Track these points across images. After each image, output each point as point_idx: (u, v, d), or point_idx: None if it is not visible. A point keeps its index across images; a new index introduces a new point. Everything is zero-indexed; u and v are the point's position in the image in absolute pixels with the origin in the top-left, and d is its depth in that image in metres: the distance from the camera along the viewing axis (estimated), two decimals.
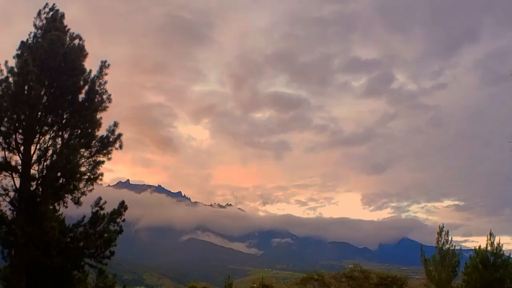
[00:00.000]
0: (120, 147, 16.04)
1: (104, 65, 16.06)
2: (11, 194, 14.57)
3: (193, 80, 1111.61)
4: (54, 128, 15.32)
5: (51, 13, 15.70)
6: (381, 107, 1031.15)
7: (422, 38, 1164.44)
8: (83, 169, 15.24)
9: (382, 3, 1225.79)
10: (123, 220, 16.05)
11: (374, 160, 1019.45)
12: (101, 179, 15.66)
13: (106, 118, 16.12)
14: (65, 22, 15.94)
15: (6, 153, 14.61)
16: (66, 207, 15.41)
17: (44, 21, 15.62)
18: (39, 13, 15.65)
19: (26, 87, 14.29)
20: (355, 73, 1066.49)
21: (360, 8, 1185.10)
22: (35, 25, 15.59)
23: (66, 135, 15.40)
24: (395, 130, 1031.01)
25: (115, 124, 16.16)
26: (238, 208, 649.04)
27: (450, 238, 22.71)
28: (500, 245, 20.84)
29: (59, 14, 15.81)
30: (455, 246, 22.72)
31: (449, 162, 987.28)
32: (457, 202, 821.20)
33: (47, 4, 15.67)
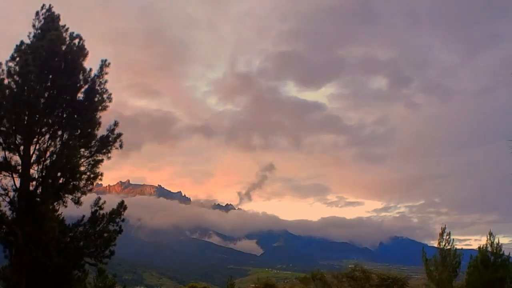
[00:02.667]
0: (121, 146, 16.03)
1: (104, 64, 15.99)
2: (11, 194, 14.56)
3: (197, 80, 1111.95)
4: (54, 128, 15.30)
5: (48, 13, 15.64)
6: (400, 109, 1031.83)
7: (442, 39, 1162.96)
8: (82, 168, 15.25)
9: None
10: (123, 220, 16.03)
11: (386, 161, 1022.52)
12: (101, 179, 15.71)
13: (106, 117, 16.13)
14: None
15: (6, 153, 14.59)
16: (66, 206, 15.41)
17: (43, 22, 15.55)
18: (37, 14, 15.58)
19: (26, 87, 14.27)
20: (373, 74, 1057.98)
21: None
22: (33, 26, 15.52)
23: (66, 135, 15.37)
24: (412, 131, 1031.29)
25: (115, 124, 16.14)
26: (238, 208, 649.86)
27: (451, 239, 22.72)
28: (500, 245, 20.87)
29: (57, 15, 15.77)
30: (455, 246, 22.74)
31: (464, 163, 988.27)
32: (470, 202, 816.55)
33: (44, 5, 15.60)
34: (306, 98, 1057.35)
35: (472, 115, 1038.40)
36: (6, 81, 14.37)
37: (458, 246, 22.85)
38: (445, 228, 22.82)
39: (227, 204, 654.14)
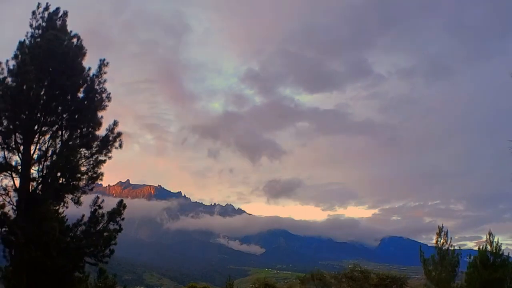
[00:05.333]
0: (120, 146, 16.00)
1: (103, 64, 15.97)
2: (11, 194, 14.56)
3: (202, 81, 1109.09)
4: (54, 128, 15.27)
5: (46, 12, 15.58)
6: (420, 110, 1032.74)
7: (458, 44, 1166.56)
8: (83, 168, 15.24)
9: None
10: (123, 219, 16.00)
11: (401, 161, 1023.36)
12: (101, 179, 15.68)
13: (106, 117, 16.12)
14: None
15: (6, 153, 14.57)
16: (67, 207, 15.41)
17: (40, 21, 15.50)
18: (33, 13, 15.50)
19: (25, 87, 14.26)
20: (392, 78, 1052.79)
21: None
22: (31, 25, 15.44)
23: (66, 135, 15.36)
24: (429, 132, 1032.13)
25: (115, 123, 16.11)
26: (239, 209, 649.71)
27: (449, 237, 22.69)
28: (499, 244, 20.85)
29: (60, 13, 15.75)
30: (454, 246, 22.73)
31: (470, 165, 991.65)
32: (484, 201, 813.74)
33: (39, 4, 15.47)
34: (318, 101, 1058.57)
35: (491, 115, 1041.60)
36: (7, 81, 14.38)
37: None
38: (442, 227, 22.83)
39: (227, 204, 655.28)
